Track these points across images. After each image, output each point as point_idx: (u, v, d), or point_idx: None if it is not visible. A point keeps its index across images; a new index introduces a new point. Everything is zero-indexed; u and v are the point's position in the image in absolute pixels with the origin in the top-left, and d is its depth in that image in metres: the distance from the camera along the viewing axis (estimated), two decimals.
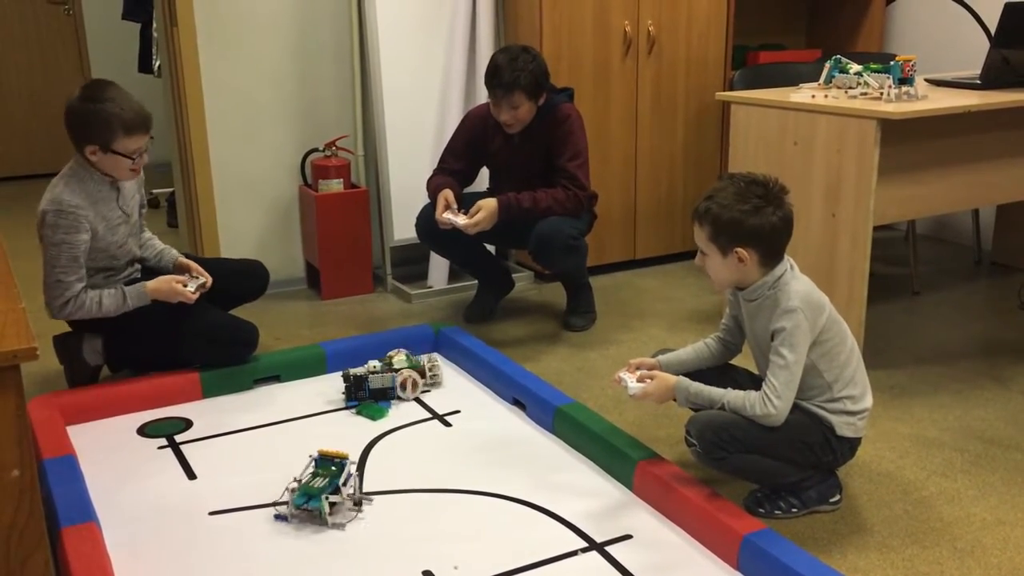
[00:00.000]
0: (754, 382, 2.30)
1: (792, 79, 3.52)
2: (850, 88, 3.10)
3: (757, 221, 2.10)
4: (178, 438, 2.67)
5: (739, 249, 2.13)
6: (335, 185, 3.81)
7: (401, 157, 3.87)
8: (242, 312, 3.10)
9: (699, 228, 2.19)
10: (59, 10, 6.37)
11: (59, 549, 1.97)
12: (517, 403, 2.83)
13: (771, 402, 2.10)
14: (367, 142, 4.00)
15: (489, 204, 3.17)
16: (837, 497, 2.27)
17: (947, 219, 4.57)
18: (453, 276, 3.98)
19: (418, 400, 2.89)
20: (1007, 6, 3.07)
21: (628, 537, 2.15)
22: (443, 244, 3.49)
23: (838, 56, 3.26)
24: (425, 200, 3.39)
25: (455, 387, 3.00)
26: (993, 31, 3.14)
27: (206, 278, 2.93)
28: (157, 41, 4.60)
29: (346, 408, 2.84)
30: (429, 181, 3.39)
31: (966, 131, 3.03)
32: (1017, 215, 4.01)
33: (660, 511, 2.24)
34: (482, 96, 3.39)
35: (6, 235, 2.25)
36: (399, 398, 2.86)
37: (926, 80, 3.37)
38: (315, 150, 3.89)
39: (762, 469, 2.19)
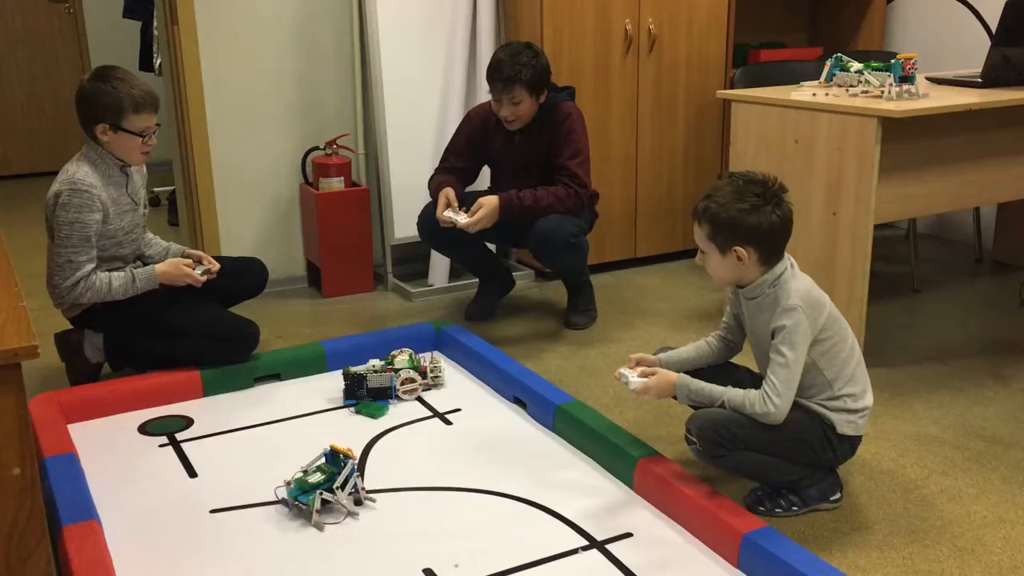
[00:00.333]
0: (755, 380, 2.30)
1: (793, 77, 3.52)
2: (851, 86, 3.10)
3: (755, 220, 2.11)
4: (179, 436, 2.67)
5: (738, 248, 2.13)
6: (336, 183, 3.81)
7: (402, 155, 3.87)
8: (243, 310, 3.11)
9: (698, 227, 2.19)
10: (60, 8, 6.37)
11: (60, 547, 1.97)
12: (518, 401, 2.83)
13: (771, 400, 2.10)
14: (368, 140, 4.00)
15: (490, 202, 3.17)
16: (838, 495, 2.27)
17: (948, 217, 4.57)
18: (454, 274, 3.98)
19: (419, 398, 2.89)
20: (1008, 4, 3.07)
21: (628, 535, 2.15)
22: (444, 243, 3.49)
23: (839, 54, 3.26)
24: (426, 198, 3.39)
25: (456, 385, 3.01)
26: (994, 29, 3.13)
27: (213, 265, 2.95)
28: (158, 39, 4.60)
29: (346, 407, 2.84)
30: (430, 180, 3.40)
31: (967, 129, 3.03)
32: (1018, 213, 4.01)
33: (661, 509, 2.24)
34: (483, 95, 3.39)
35: (7, 233, 2.25)
36: (398, 398, 2.87)
37: (927, 78, 3.37)
38: (316, 148, 3.89)
39: (762, 467, 2.20)
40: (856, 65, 3.14)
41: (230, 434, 2.69)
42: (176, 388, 2.88)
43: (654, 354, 2.41)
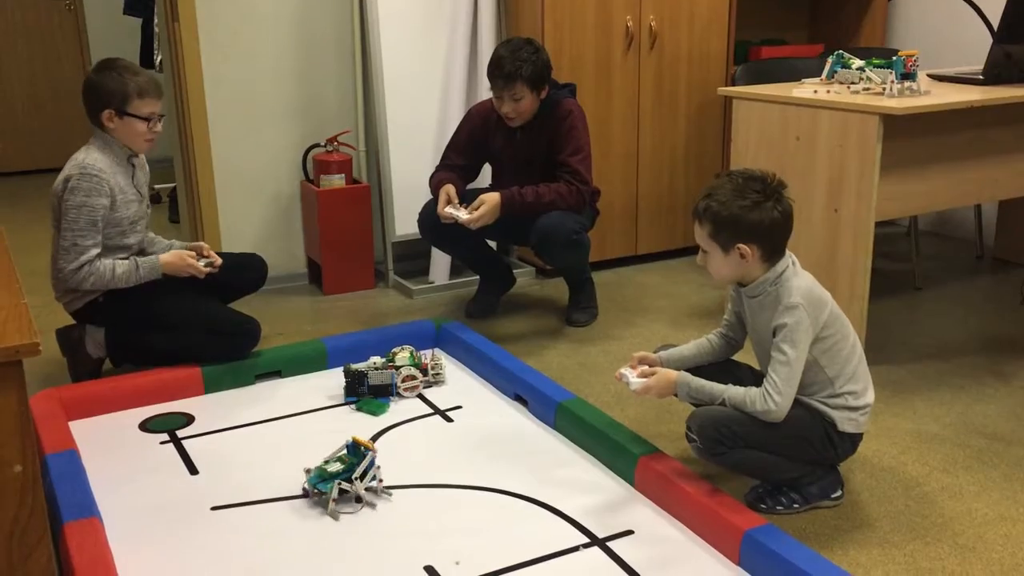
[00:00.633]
0: (756, 378, 2.30)
1: (794, 74, 3.51)
2: (852, 83, 3.10)
3: (757, 216, 2.10)
4: (180, 433, 2.68)
5: (741, 245, 2.13)
6: (337, 180, 3.81)
7: (403, 153, 3.87)
8: (243, 307, 3.11)
9: (699, 226, 2.19)
10: (60, 5, 6.36)
11: (61, 544, 1.97)
12: (519, 399, 2.83)
13: (771, 398, 2.10)
14: (369, 137, 4.00)
15: (492, 198, 3.16)
16: (839, 493, 2.27)
17: (949, 215, 4.56)
18: (455, 272, 3.98)
19: (419, 395, 2.89)
20: (1010, 1, 3.06)
21: (630, 533, 2.16)
22: (445, 240, 3.49)
23: (840, 51, 3.26)
24: (427, 196, 3.38)
25: (457, 382, 3.00)
26: (996, 26, 3.13)
27: (215, 259, 2.98)
28: (158, 36, 4.60)
29: (347, 404, 2.84)
30: (431, 177, 3.39)
31: (968, 126, 3.03)
32: (1019, 211, 4.01)
33: (662, 507, 2.24)
34: (484, 92, 3.39)
35: (8, 230, 2.25)
36: (399, 395, 2.87)
37: (928, 75, 3.37)
38: (316, 145, 3.89)
39: (763, 465, 2.19)
40: (857, 62, 3.14)
41: (231, 431, 2.69)
42: (177, 385, 2.88)
43: (655, 352, 2.41)
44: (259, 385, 2.99)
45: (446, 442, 2.62)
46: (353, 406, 2.82)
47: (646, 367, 2.31)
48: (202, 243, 3.07)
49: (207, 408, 2.83)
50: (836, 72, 3.19)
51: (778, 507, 2.23)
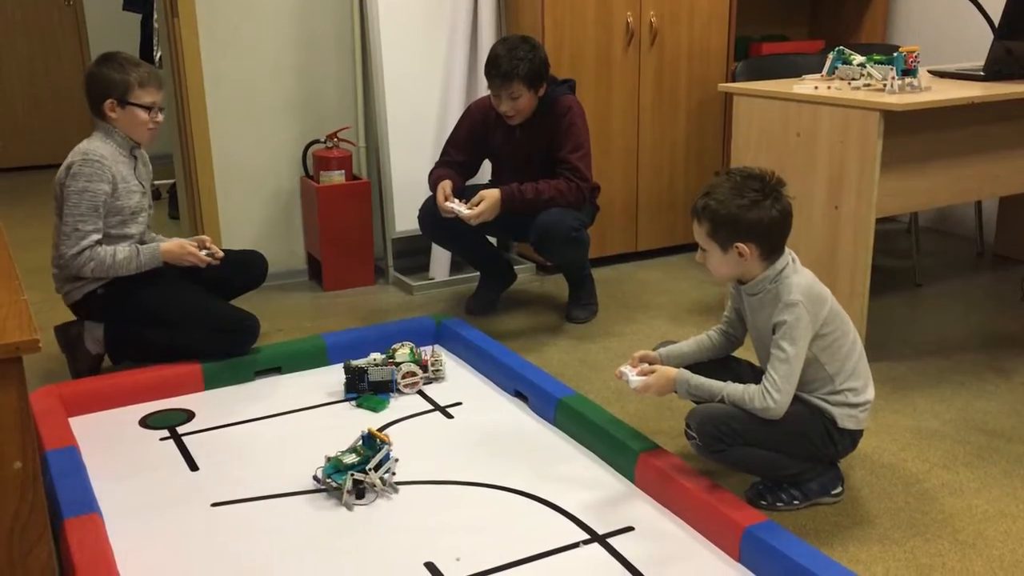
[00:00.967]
0: (756, 374, 2.30)
1: (795, 70, 3.51)
2: (853, 79, 3.09)
3: (755, 215, 2.10)
4: (180, 429, 2.68)
5: (739, 244, 2.13)
6: (337, 177, 3.80)
7: (403, 149, 3.87)
8: (243, 303, 3.11)
9: (698, 225, 2.19)
10: (60, 1, 6.36)
11: (62, 540, 1.97)
12: (519, 395, 2.83)
13: (771, 396, 2.10)
14: (369, 134, 4.00)
15: (492, 194, 3.16)
16: (839, 489, 2.27)
17: (950, 211, 4.56)
18: (455, 268, 3.98)
19: (420, 392, 2.89)
20: None
21: (630, 529, 2.16)
22: (445, 236, 3.49)
23: (841, 47, 3.25)
24: (427, 192, 3.38)
25: (457, 379, 3.00)
26: (997, 22, 3.12)
27: (216, 251, 3.00)
28: (158, 32, 4.59)
29: (347, 400, 2.84)
30: (430, 173, 3.39)
31: (969, 123, 3.02)
32: (1020, 207, 4.01)
33: (662, 503, 2.24)
34: (484, 88, 3.39)
35: (7, 226, 2.24)
36: (399, 391, 2.87)
37: (929, 71, 3.36)
38: (316, 141, 3.89)
39: (762, 462, 2.19)
40: (858, 58, 3.13)
41: (231, 427, 2.69)
42: (177, 381, 2.88)
43: (655, 348, 2.41)
44: (259, 381, 2.99)
45: (446, 438, 2.62)
46: (353, 402, 2.82)
47: (646, 365, 2.31)
48: (204, 236, 3.08)
49: (207, 404, 2.83)
50: (837, 68, 3.18)
51: (778, 503, 2.23)
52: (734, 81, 3.74)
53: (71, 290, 2.89)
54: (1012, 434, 2.60)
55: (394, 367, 2.86)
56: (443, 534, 2.14)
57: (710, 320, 3.19)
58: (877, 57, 3.10)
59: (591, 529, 2.16)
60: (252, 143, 3.84)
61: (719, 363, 2.38)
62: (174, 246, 2.93)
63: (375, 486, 2.28)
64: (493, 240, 3.80)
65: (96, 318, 2.95)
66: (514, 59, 3.16)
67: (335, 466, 2.30)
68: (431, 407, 2.80)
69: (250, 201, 3.90)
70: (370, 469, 2.27)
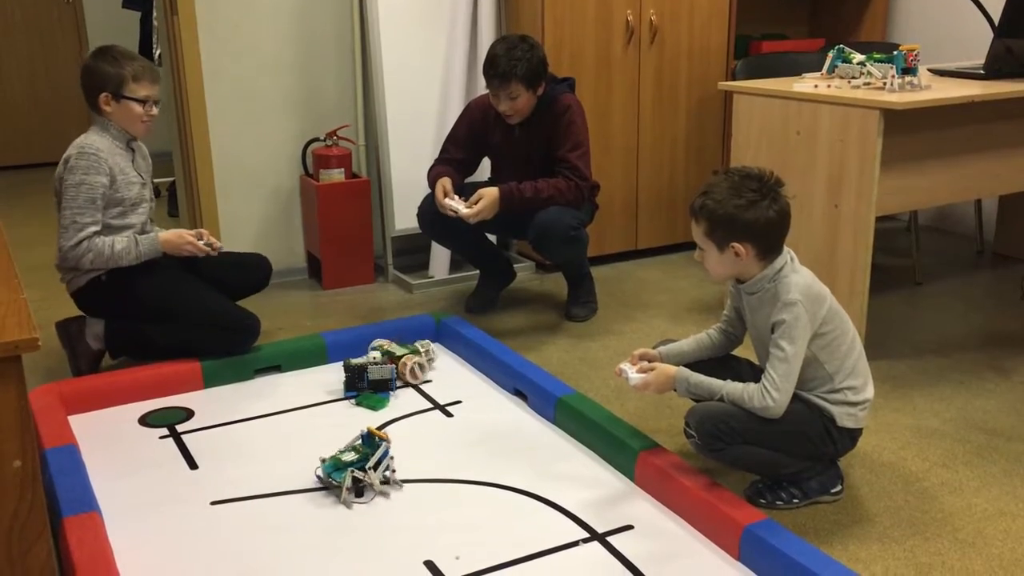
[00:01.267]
0: (755, 373, 2.30)
1: (795, 69, 3.51)
2: (853, 78, 3.09)
3: (752, 215, 2.10)
4: (179, 428, 2.67)
5: (735, 244, 2.13)
6: (336, 175, 3.80)
7: (402, 147, 3.87)
8: (243, 301, 3.11)
9: (695, 224, 2.19)
10: (59, 0, 6.35)
11: (61, 539, 1.97)
12: (518, 393, 2.83)
13: (770, 394, 2.10)
14: (368, 132, 3.99)
15: (491, 193, 3.16)
16: (838, 488, 2.27)
17: (949, 210, 4.56)
18: (454, 266, 3.97)
19: (419, 390, 2.89)
20: None
21: (629, 527, 2.16)
22: (444, 234, 3.49)
23: (841, 45, 3.25)
24: (426, 190, 3.38)
25: (456, 377, 3.00)
26: (997, 21, 3.12)
27: (215, 242, 3.02)
28: (157, 30, 4.59)
29: (347, 399, 2.84)
30: (429, 170, 3.39)
31: (969, 121, 3.02)
32: (1020, 206, 4.01)
33: (661, 501, 2.24)
34: (483, 86, 3.38)
35: (6, 225, 2.24)
36: (408, 383, 2.89)
37: (929, 70, 3.36)
38: (316, 140, 3.88)
39: (761, 460, 2.19)
40: (858, 57, 3.13)
41: (231, 426, 2.69)
42: (176, 380, 2.88)
43: (655, 346, 2.41)
44: (259, 380, 2.99)
45: (446, 437, 2.62)
46: (353, 401, 2.82)
47: (645, 363, 2.31)
48: (202, 230, 3.09)
49: (207, 403, 2.83)
50: (837, 67, 3.18)
51: (778, 502, 2.23)
52: (734, 79, 3.74)
53: (73, 277, 2.91)
54: (1012, 433, 2.60)
55: (392, 365, 2.87)
56: (443, 533, 2.14)
57: (710, 318, 3.19)
58: (877, 56, 3.09)
59: (591, 527, 2.16)
60: (252, 141, 3.84)
61: (718, 361, 2.38)
62: (173, 236, 2.94)
63: (373, 485, 2.28)
64: (493, 238, 3.80)
65: (98, 307, 2.95)
66: (512, 59, 3.16)
67: (335, 464, 2.30)
68: (431, 405, 2.80)
69: (249, 199, 3.89)
70: (369, 468, 2.28)
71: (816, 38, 4.58)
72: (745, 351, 2.42)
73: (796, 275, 2.16)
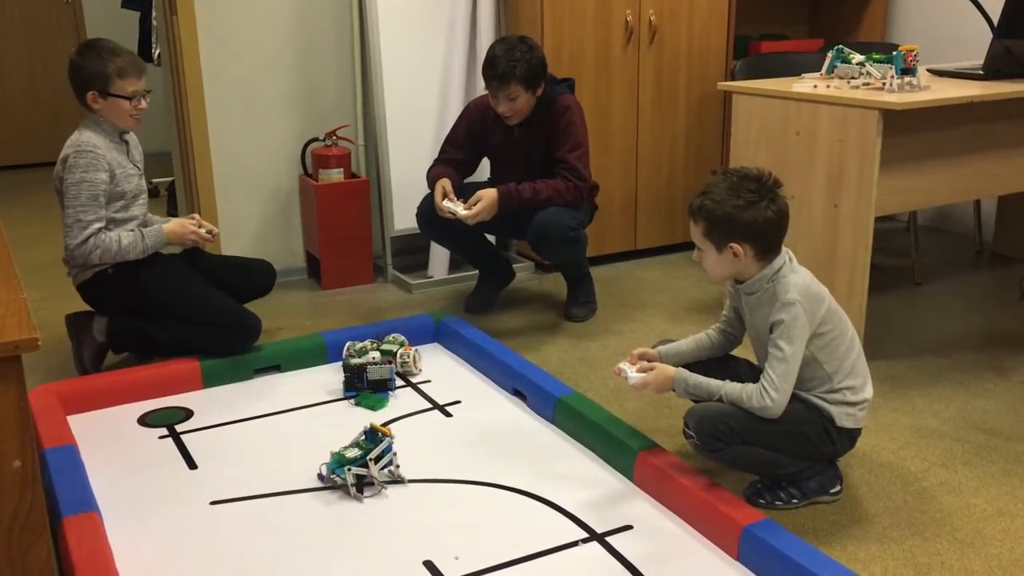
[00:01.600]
0: (754, 373, 2.30)
1: (794, 69, 3.51)
2: (852, 78, 3.09)
3: (750, 216, 2.10)
4: (179, 427, 2.67)
5: (733, 244, 2.13)
6: (335, 175, 3.80)
7: (402, 147, 3.87)
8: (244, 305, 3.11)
9: (694, 224, 2.19)
10: None
11: (60, 539, 1.97)
12: (518, 393, 2.83)
13: (768, 394, 2.10)
14: (368, 132, 3.99)
15: (489, 194, 3.16)
16: (837, 488, 2.27)
17: (948, 210, 4.56)
18: (454, 266, 3.97)
19: (418, 390, 2.89)
20: None
21: (628, 528, 2.16)
22: (443, 234, 3.49)
23: (840, 46, 3.25)
24: (426, 190, 3.38)
25: (456, 377, 3.00)
26: (996, 21, 3.12)
27: (211, 227, 3.07)
28: (156, 30, 4.59)
29: (346, 399, 2.84)
30: (429, 171, 3.39)
31: (968, 122, 3.02)
32: (1019, 206, 4.01)
33: (660, 502, 2.24)
34: (483, 86, 3.39)
35: (6, 225, 2.24)
36: (410, 377, 2.94)
37: (928, 70, 3.36)
38: (315, 139, 3.88)
39: (760, 460, 2.20)
40: (857, 57, 3.13)
41: (230, 426, 2.69)
42: (176, 379, 2.88)
43: (654, 346, 2.41)
44: (258, 380, 2.99)
45: (445, 437, 2.62)
46: (352, 401, 2.82)
47: (645, 363, 2.31)
48: (194, 215, 3.14)
49: (206, 402, 2.83)
50: (836, 67, 3.18)
51: (777, 502, 2.24)
52: (733, 79, 3.74)
53: (80, 271, 2.92)
54: (1011, 433, 2.60)
55: (391, 365, 2.87)
56: (442, 532, 2.14)
57: (709, 318, 3.19)
58: (876, 56, 3.09)
59: (590, 528, 2.16)
60: (251, 141, 3.84)
61: (718, 362, 2.38)
62: (176, 226, 2.98)
63: (375, 480, 2.28)
64: (492, 238, 3.80)
65: (103, 301, 2.97)
66: (511, 60, 3.16)
67: (338, 461, 2.31)
68: (430, 405, 2.80)
69: (249, 199, 3.89)
70: (370, 460, 2.28)
71: (815, 38, 4.58)
72: (744, 351, 2.42)
73: (795, 275, 2.16)
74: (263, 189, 3.92)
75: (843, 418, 2.19)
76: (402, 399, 2.84)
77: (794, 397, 2.16)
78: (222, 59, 3.71)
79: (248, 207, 3.90)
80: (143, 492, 2.33)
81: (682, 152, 4.18)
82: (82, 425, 2.64)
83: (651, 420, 2.68)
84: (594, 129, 3.64)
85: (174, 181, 4.55)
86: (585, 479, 2.38)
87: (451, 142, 3.45)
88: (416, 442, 2.57)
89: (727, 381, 2.19)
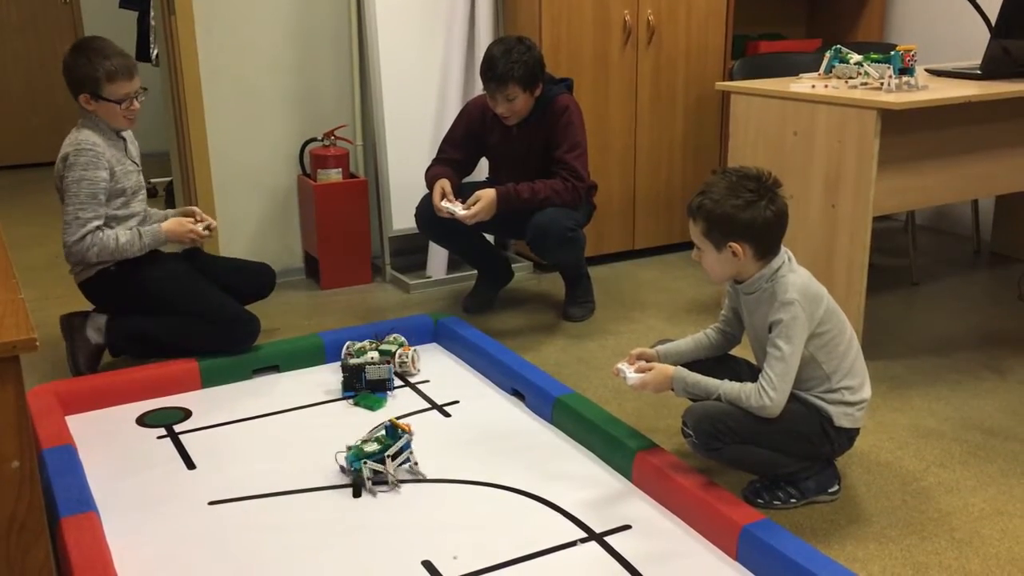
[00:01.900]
0: (753, 372, 2.30)
1: (792, 69, 3.51)
2: (850, 78, 3.09)
3: (749, 215, 2.11)
4: (177, 428, 2.67)
5: (733, 244, 2.13)
6: (334, 175, 3.80)
7: (400, 147, 3.87)
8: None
9: (693, 224, 2.20)
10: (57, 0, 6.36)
11: (59, 539, 1.97)
12: (516, 393, 2.83)
13: (767, 394, 2.10)
14: (366, 132, 3.99)
15: (487, 195, 3.16)
16: (836, 487, 2.28)
17: (946, 209, 4.57)
18: (452, 266, 3.97)
19: (417, 390, 2.89)
20: None
21: (627, 527, 2.16)
22: (442, 234, 3.49)
23: (838, 46, 3.25)
24: (424, 190, 3.38)
25: (454, 377, 3.00)
26: (994, 21, 3.13)
27: (209, 220, 3.08)
28: (155, 29, 4.59)
29: (344, 398, 2.84)
30: (427, 171, 3.39)
31: (966, 122, 3.03)
32: (1016, 205, 4.01)
33: (659, 501, 2.24)
34: (481, 86, 3.39)
35: (4, 225, 2.24)
36: (409, 376, 2.94)
37: (926, 70, 3.37)
38: (314, 139, 3.88)
39: (758, 460, 2.20)
40: (855, 57, 3.14)
41: (228, 426, 2.69)
42: (174, 380, 2.88)
43: (652, 346, 2.41)
44: (256, 380, 2.99)
45: (443, 437, 2.62)
46: (351, 401, 2.82)
47: (643, 362, 2.31)
48: (193, 207, 3.15)
49: (204, 403, 2.83)
50: (834, 67, 3.19)
51: (775, 502, 2.24)
52: (731, 79, 3.75)
53: (83, 268, 2.92)
54: (1009, 432, 2.60)
55: (390, 365, 2.87)
56: (440, 532, 2.14)
57: (707, 318, 3.19)
58: (874, 56, 3.10)
59: (588, 527, 2.16)
60: (249, 141, 3.84)
61: (716, 361, 2.38)
62: (174, 224, 2.99)
63: (389, 476, 2.30)
64: (490, 238, 3.80)
65: (105, 298, 2.97)
66: (509, 61, 3.16)
67: (357, 454, 2.32)
68: (428, 406, 2.80)
69: (247, 199, 3.89)
70: (388, 456, 2.30)
71: (813, 38, 4.59)
72: (743, 351, 2.42)
73: (793, 275, 2.16)
74: (261, 189, 3.92)
75: (841, 418, 2.19)
76: (400, 399, 2.84)
77: (792, 397, 2.16)
78: (220, 59, 3.70)
79: (246, 207, 3.90)
80: (142, 492, 2.33)
81: (680, 152, 4.19)
82: (80, 425, 2.64)
83: (650, 420, 2.68)
84: (592, 129, 3.64)
85: (172, 181, 4.56)
86: (584, 479, 2.38)
87: (449, 142, 3.45)
88: (415, 442, 2.56)
89: (725, 380, 2.19)
